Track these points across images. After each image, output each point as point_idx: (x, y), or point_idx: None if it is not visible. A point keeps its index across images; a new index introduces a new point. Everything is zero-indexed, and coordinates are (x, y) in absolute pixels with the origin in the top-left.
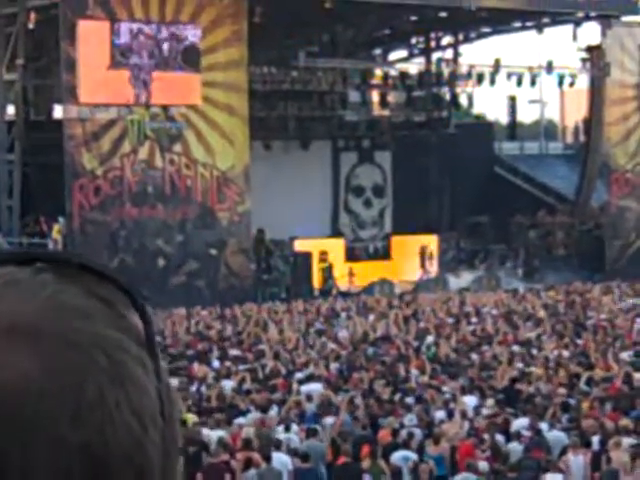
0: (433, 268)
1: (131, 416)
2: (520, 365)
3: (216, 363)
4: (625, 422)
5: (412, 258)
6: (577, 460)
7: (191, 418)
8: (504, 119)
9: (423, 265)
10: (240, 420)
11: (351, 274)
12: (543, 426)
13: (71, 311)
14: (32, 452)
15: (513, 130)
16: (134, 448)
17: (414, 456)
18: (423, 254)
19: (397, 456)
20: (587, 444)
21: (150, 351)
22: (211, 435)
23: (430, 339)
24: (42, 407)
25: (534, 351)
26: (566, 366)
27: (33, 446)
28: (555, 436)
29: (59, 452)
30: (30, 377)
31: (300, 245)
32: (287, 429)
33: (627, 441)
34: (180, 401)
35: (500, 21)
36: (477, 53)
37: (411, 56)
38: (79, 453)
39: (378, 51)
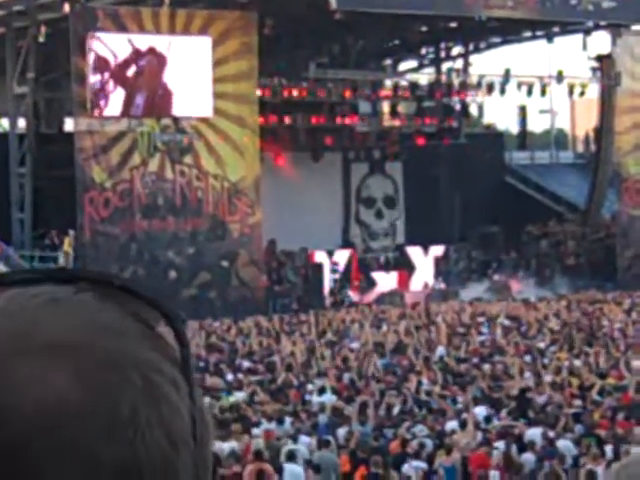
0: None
1: (163, 436)
2: (531, 375)
3: (229, 376)
4: (638, 431)
5: (424, 269)
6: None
7: None
8: (514, 129)
9: (435, 276)
10: (254, 431)
11: (362, 285)
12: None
13: (109, 331)
14: (67, 468)
15: (523, 140)
16: (165, 467)
17: (425, 466)
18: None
19: (408, 466)
20: (601, 453)
21: (185, 373)
22: (223, 447)
23: (441, 349)
24: (78, 424)
25: (546, 361)
26: (578, 376)
27: (68, 462)
28: (564, 445)
29: (93, 468)
30: (67, 395)
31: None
32: (294, 440)
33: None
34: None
35: (510, 31)
36: (487, 63)
37: (421, 66)
38: (111, 469)
39: (388, 62)
